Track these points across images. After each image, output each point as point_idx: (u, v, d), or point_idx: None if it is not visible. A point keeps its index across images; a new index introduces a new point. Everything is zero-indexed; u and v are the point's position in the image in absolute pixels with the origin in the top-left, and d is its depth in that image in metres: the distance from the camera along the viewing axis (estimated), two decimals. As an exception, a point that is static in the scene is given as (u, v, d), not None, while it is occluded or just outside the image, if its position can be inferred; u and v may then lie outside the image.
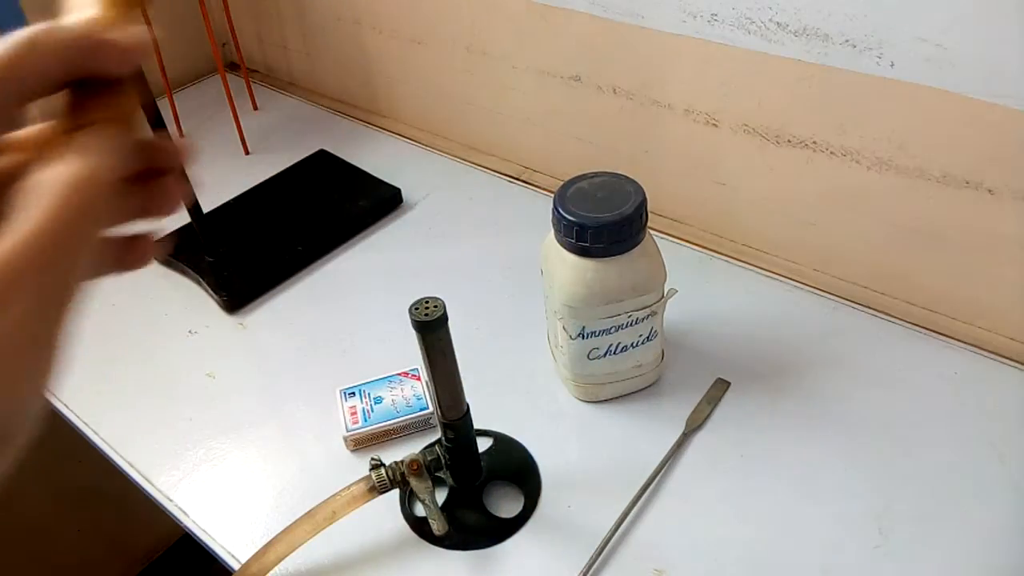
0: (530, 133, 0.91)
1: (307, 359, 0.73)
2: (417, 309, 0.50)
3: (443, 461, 0.58)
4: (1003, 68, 0.57)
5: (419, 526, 0.59)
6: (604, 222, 0.56)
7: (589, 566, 0.55)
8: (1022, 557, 0.54)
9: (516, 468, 0.62)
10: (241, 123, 1.01)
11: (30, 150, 0.27)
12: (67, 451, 1.15)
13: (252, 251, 0.84)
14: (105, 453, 0.67)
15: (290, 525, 0.55)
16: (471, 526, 0.58)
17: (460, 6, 0.88)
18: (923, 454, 0.60)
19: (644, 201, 0.58)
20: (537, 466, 0.62)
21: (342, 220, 0.87)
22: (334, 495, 0.56)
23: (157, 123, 0.74)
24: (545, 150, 0.92)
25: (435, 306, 0.50)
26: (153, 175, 0.30)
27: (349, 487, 0.56)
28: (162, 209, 0.31)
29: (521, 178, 0.93)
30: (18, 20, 0.99)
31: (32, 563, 1.26)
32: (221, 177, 0.95)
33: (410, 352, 0.56)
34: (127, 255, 0.31)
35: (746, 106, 0.72)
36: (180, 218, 0.83)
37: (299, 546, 0.55)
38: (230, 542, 0.59)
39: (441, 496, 0.60)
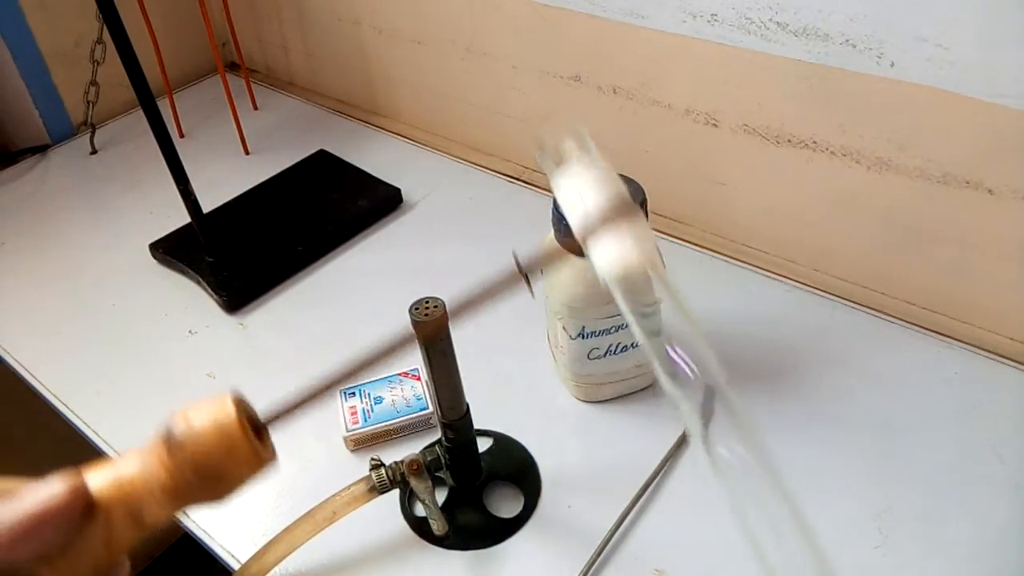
0: (530, 133, 0.91)
1: (307, 359, 0.73)
2: (417, 309, 0.50)
3: (443, 461, 0.58)
4: (1003, 68, 0.57)
5: (419, 526, 0.59)
6: (604, 222, 0.56)
7: (589, 566, 0.55)
8: (1022, 557, 0.54)
9: (516, 468, 0.62)
10: (241, 123, 1.01)
11: None
12: (67, 451, 1.15)
13: (252, 251, 0.84)
14: (105, 453, 0.67)
15: (290, 525, 0.55)
16: (471, 526, 0.58)
17: (460, 6, 0.88)
18: (923, 454, 0.60)
19: (644, 201, 0.58)
20: (537, 466, 0.62)
21: (342, 220, 0.87)
22: (334, 495, 0.56)
23: (157, 123, 0.74)
24: (545, 150, 0.92)
25: (435, 306, 0.50)
26: None
27: (349, 487, 0.56)
28: None
29: (521, 178, 0.93)
30: (18, 20, 0.99)
31: (32, 563, 1.25)
32: (221, 177, 0.95)
33: (410, 352, 0.56)
34: None
35: (746, 106, 0.72)
36: (180, 218, 0.83)
37: (299, 546, 0.55)
38: (230, 542, 0.59)
39: (441, 496, 0.60)
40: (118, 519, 0.31)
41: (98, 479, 0.32)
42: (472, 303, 0.35)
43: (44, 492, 0.30)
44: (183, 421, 0.32)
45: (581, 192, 0.33)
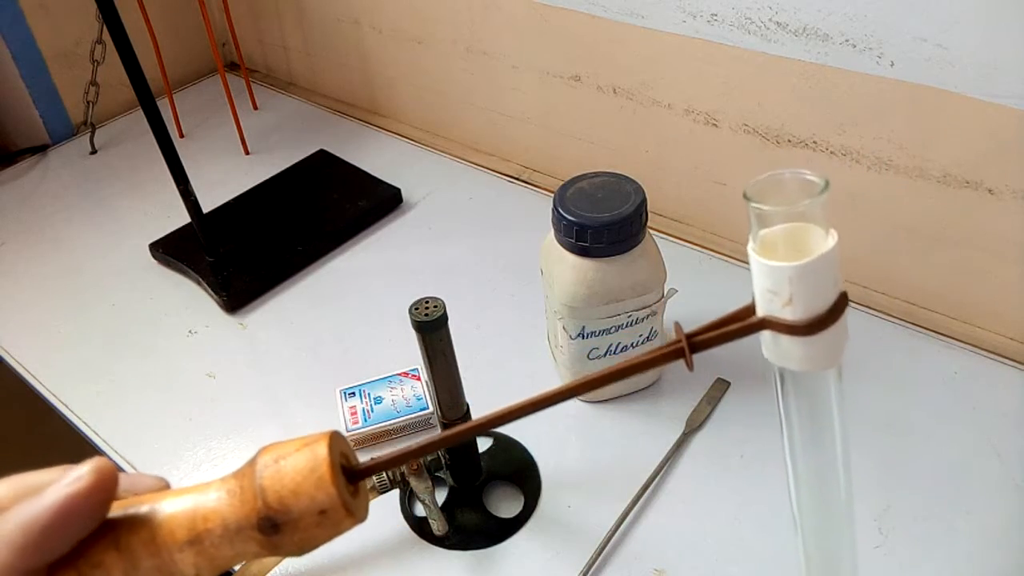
0: (530, 133, 0.91)
1: (307, 359, 0.73)
2: (417, 309, 0.50)
3: (443, 461, 0.58)
4: (1003, 68, 0.57)
5: (419, 526, 0.59)
6: (604, 222, 0.56)
7: (589, 566, 0.55)
8: (1022, 557, 0.54)
9: (516, 468, 0.62)
10: (241, 123, 1.01)
11: None
12: (67, 451, 1.15)
13: (252, 251, 0.84)
14: (105, 453, 0.67)
15: (290, 525, 0.55)
16: (471, 526, 0.58)
17: (460, 6, 0.88)
18: (923, 454, 0.60)
19: (644, 201, 0.58)
20: (537, 466, 0.62)
21: (342, 220, 0.87)
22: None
23: (157, 123, 0.74)
24: (545, 150, 0.92)
25: (435, 306, 0.50)
26: None
27: (349, 487, 0.56)
28: None
29: (521, 178, 0.93)
30: (18, 20, 0.99)
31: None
32: (221, 177, 0.95)
33: (410, 352, 0.56)
34: None
35: (746, 106, 0.72)
36: (180, 218, 0.83)
37: (299, 546, 0.55)
38: (230, 542, 0.59)
39: (441, 496, 0.60)
40: (175, 544, 0.28)
41: (169, 505, 0.29)
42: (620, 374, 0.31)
43: (67, 479, 0.27)
44: (271, 459, 0.28)
45: (783, 280, 0.28)
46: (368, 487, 0.55)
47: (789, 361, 0.30)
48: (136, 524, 0.28)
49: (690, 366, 0.29)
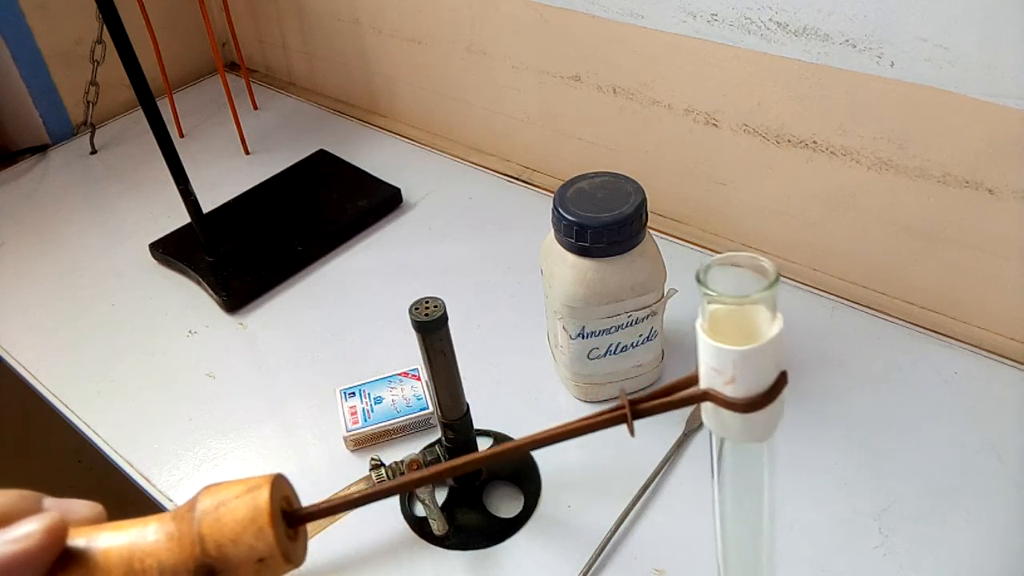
0: (530, 133, 0.91)
1: (307, 359, 0.73)
2: (417, 309, 0.50)
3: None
4: (1003, 68, 0.57)
5: (419, 526, 0.59)
6: (604, 222, 0.56)
7: (589, 566, 0.55)
8: (1022, 557, 0.54)
9: (516, 468, 0.62)
10: (241, 123, 1.01)
11: None
12: (67, 451, 1.15)
13: (252, 251, 0.84)
14: (105, 453, 0.67)
15: (290, 525, 0.55)
16: (471, 526, 0.58)
17: (460, 6, 0.88)
18: (923, 454, 0.60)
19: (644, 201, 0.58)
20: (537, 466, 0.62)
21: (342, 220, 0.87)
22: (334, 495, 0.56)
23: (157, 123, 0.74)
24: (545, 150, 0.92)
25: (435, 306, 0.50)
26: None
27: (349, 487, 0.56)
28: None
29: (521, 178, 0.93)
30: (18, 20, 0.99)
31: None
32: (221, 177, 0.95)
33: (410, 352, 0.56)
34: None
35: (746, 106, 0.72)
36: (180, 218, 0.83)
37: (299, 546, 0.55)
38: (230, 542, 0.59)
39: (441, 496, 0.60)
40: None
41: (106, 540, 0.28)
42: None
43: (16, 534, 0.27)
44: (211, 505, 0.28)
45: (727, 360, 0.29)
46: (373, 476, 0.55)
47: (727, 432, 0.32)
48: (70, 561, 0.28)
49: (631, 432, 0.30)
